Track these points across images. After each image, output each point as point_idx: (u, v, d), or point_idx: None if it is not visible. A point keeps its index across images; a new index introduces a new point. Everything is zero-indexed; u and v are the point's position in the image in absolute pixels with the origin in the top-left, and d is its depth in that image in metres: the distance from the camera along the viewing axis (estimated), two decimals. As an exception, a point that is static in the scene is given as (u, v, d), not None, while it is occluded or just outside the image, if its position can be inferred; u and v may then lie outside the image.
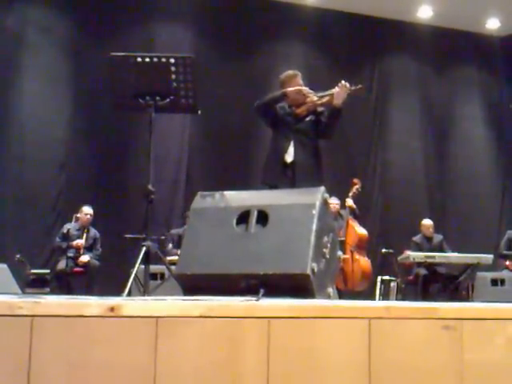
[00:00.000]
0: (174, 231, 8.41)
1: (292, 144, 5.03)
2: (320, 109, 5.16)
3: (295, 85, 5.12)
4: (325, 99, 5.06)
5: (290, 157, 5.01)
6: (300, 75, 5.22)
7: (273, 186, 4.82)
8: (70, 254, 7.94)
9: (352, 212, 8.01)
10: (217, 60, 10.18)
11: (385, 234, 10.52)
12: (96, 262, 8.05)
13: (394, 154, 11.22)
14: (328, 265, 3.24)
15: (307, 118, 5.13)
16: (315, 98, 5.07)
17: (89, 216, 8.27)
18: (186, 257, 3.30)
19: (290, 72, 5.28)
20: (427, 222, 9.20)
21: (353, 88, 5.00)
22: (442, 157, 11.46)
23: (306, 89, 5.08)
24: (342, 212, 8.07)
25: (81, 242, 8.05)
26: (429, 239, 9.08)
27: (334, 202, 7.78)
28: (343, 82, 4.97)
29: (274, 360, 2.05)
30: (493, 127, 11.77)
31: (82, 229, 8.24)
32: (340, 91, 4.95)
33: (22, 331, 1.87)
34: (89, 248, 8.20)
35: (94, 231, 8.36)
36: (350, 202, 7.97)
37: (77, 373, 1.90)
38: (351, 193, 8.00)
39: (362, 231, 7.90)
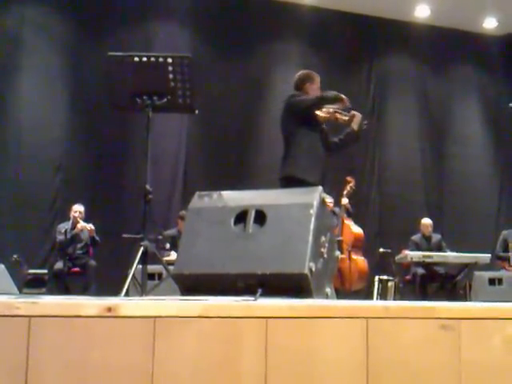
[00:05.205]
0: (167, 232, 8.41)
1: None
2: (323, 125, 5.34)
3: (316, 85, 5.30)
4: (343, 118, 5.22)
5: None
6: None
7: (311, 183, 4.58)
8: (70, 250, 7.99)
9: (346, 211, 8.00)
10: (214, 59, 10.17)
11: (382, 234, 10.52)
12: (93, 262, 8.06)
13: (392, 153, 11.22)
14: (326, 264, 3.24)
15: (323, 125, 5.30)
16: (339, 116, 5.23)
17: (77, 213, 8.24)
18: (184, 256, 3.30)
19: (313, 73, 5.41)
20: (426, 221, 9.21)
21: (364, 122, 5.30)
22: (439, 156, 11.46)
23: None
24: (336, 210, 8.06)
25: (82, 224, 8.12)
26: (428, 238, 9.09)
27: (327, 201, 7.75)
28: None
29: (272, 360, 2.05)
30: (490, 127, 11.78)
31: (74, 227, 8.23)
32: (358, 118, 5.20)
33: (20, 331, 1.87)
34: (84, 247, 8.21)
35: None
36: (345, 200, 7.95)
37: (74, 373, 1.89)
38: (345, 191, 7.98)
39: (357, 230, 7.90)
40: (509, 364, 2.29)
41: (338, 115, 5.19)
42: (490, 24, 11.40)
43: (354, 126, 5.18)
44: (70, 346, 1.90)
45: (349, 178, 8.08)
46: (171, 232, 8.37)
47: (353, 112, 5.22)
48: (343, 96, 5.14)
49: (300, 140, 5.11)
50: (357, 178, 8.29)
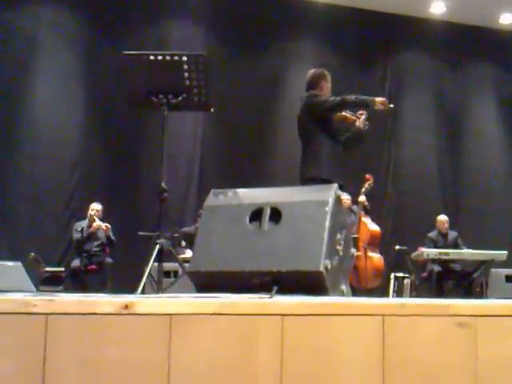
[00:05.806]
0: (184, 229, 8.41)
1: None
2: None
3: (329, 83, 5.25)
4: (351, 118, 5.23)
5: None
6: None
7: (328, 181, 4.50)
8: (87, 248, 8.05)
9: (364, 208, 7.99)
10: (229, 57, 10.18)
11: (398, 231, 10.47)
12: (110, 260, 8.10)
13: (408, 150, 11.17)
14: (341, 262, 3.24)
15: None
16: (348, 115, 5.25)
17: (94, 212, 8.27)
18: (200, 254, 3.31)
19: (326, 71, 5.35)
20: (442, 218, 9.16)
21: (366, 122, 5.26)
22: (455, 153, 11.39)
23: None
24: (354, 208, 8.05)
25: (98, 222, 8.15)
26: (444, 235, 9.03)
27: (345, 198, 7.77)
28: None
29: (288, 357, 2.05)
30: (506, 123, 11.69)
31: (91, 225, 8.27)
32: (363, 117, 5.20)
33: (37, 329, 1.88)
34: (101, 245, 8.25)
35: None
36: (362, 198, 7.95)
37: (91, 370, 1.90)
38: (363, 189, 7.98)
39: (374, 228, 7.88)
40: (526, 361, 2.28)
41: (347, 115, 5.19)
42: (506, 20, 11.32)
43: (361, 124, 5.17)
44: (86, 343, 1.91)
45: (367, 176, 8.06)
46: (189, 229, 8.36)
47: (359, 112, 5.20)
48: (378, 99, 5.10)
49: (321, 140, 5.05)
50: (373, 176, 8.26)
